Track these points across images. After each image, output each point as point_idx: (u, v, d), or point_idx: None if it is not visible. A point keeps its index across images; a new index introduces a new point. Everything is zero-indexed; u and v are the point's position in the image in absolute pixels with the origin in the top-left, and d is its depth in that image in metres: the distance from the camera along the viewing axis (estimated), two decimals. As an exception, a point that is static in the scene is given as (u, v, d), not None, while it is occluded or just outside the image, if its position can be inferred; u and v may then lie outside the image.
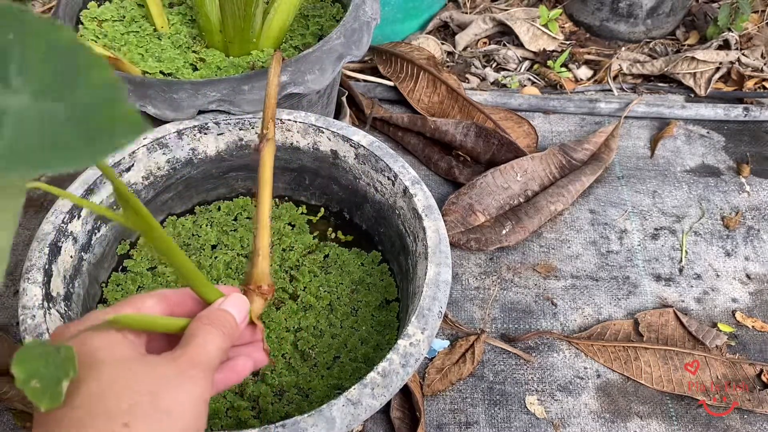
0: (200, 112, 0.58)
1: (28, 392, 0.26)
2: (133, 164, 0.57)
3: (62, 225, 0.51)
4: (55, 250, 0.49)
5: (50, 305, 0.47)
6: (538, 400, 0.63)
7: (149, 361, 0.32)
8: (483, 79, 0.97)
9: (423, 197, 0.53)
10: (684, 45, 1.01)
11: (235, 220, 0.63)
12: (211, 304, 0.38)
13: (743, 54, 0.95)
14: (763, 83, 0.95)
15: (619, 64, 0.96)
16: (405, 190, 0.54)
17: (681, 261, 0.75)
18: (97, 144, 0.20)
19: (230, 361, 0.38)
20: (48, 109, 0.21)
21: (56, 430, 0.29)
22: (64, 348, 0.28)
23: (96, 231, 0.55)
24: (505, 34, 1.03)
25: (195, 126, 0.58)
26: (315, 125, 0.59)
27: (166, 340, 0.38)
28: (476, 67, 0.98)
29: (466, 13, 1.04)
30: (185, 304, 0.38)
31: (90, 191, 0.54)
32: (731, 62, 0.94)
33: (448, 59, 1.00)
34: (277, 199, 0.65)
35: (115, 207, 0.56)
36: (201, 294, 0.37)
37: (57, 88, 0.21)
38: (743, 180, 0.83)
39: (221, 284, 0.41)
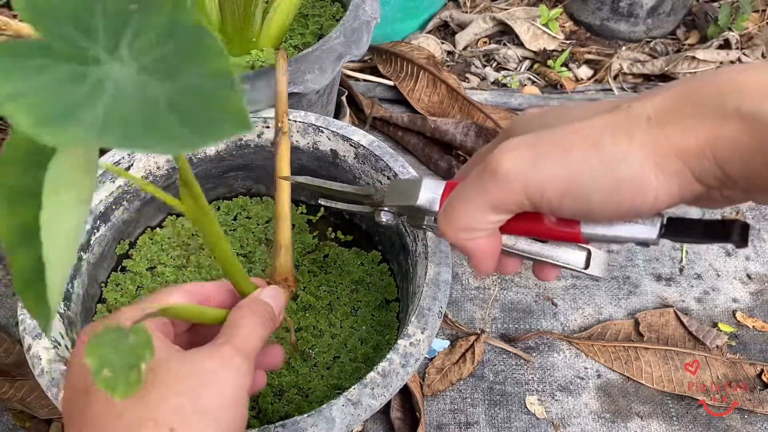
0: (200, 112, 0.58)
1: (101, 383, 0.25)
2: (132, 163, 0.56)
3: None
4: (54, 250, 0.49)
5: (49, 305, 0.47)
6: (539, 400, 0.63)
7: (189, 357, 0.31)
8: (483, 78, 0.97)
9: (423, 197, 0.53)
10: (684, 44, 1.01)
11: (235, 219, 0.63)
12: (247, 296, 0.37)
13: (744, 54, 0.95)
14: (764, 83, 0.94)
15: (620, 64, 0.96)
16: (405, 190, 0.54)
17: (681, 261, 0.74)
18: (197, 132, 0.19)
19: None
20: (152, 86, 0.20)
21: None
22: (135, 329, 0.26)
23: (95, 231, 0.55)
24: (505, 33, 1.03)
25: (194, 125, 0.58)
26: (315, 125, 0.59)
27: (188, 339, 0.38)
28: (476, 67, 0.98)
29: (466, 12, 1.04)
30: (211, 298, 0.38)
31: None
32: (732, 62, 0.94)
33: (448, 59, 0.99)
34: (276, 199, 0.65)
35: (115, 206, 0.56)
36: (238, 285, 0.37)
37: (167, 68, 0.20)
38: (744, 180, 0.83)
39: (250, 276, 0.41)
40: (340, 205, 0.46)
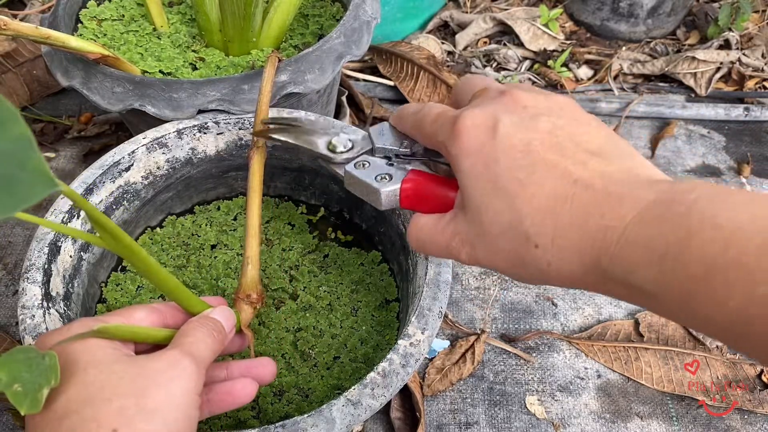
0: (200, 112, 0.58)
1: (10, 396, 0.26)
2: (132, 164, 0.56)
3: (62, 225, 0.51)
4: (54, 250, 0.49)
5: (50, 305, 0.47)
6: (539, 400, 0.63)
7: (136, 360, 0.31)
8: (483, 78, 0.97)
9: (423, 197, 0.53)
10: (684, 45, 1.01)
11: (235, 219, 0.63)
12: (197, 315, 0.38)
13: (744, 54, 0.95)
14: (764, 83, 0.95)
15: (620, 64, 0.96)
16: (405, 190, 0.54)
17: (681, 261, 0.74)
18: (16, 196, 0.20)
19: (228, 383, 0.38)
20: None
21: None
22: (48, 355, 0.28)
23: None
24: (505, 33, 1.02)
25: (194, 125, 0.58)
26: (315, 125, 0.59)
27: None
28: (476, 67, 0.98)
29: (467, 12, 1.04)
30: (177, 317, 0.38)
31: (90, 191, 0.53)
32: (732, 62, 0.94)
33: (448, 59, 0.99)
34: (277, 199, 0.65)
35: (115, 206, 0.56)
36: (187, 307, 0.38)
37: None
38: (744, 180, 0.83)
39: (206, 296, 0.41)
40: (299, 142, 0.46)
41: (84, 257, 0.53)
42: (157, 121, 0.58)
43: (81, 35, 0.68)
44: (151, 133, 0.57)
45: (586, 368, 0.65)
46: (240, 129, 0.60)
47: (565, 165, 0.29)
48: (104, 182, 0.54)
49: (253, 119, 0.59)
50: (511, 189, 0.29)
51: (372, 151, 0.42)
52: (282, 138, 0.47)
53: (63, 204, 0.52)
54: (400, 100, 0.90)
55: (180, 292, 0.37)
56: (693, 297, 0.24)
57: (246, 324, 0.41)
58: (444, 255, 0.35)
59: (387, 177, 0.39)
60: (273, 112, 0.59)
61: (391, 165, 0.40)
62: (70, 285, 0.51)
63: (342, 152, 0.43)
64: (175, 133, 0.58)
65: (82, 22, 0.69)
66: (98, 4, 0.71)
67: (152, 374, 0.30)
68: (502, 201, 0.30)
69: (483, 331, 0.66)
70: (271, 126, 0.49)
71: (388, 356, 0.43)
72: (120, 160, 0.55)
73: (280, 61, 0.58)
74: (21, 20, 0.57)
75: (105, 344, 0.32)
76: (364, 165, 0.41)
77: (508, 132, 0.31)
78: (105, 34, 0.68)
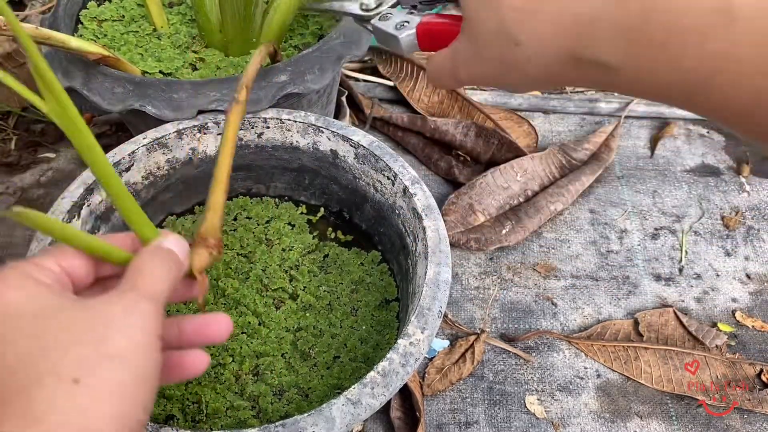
0: (200, 112, 0.58)
1: None
2: (132, 164, 0.57)
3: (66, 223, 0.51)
4: (54, 250, 0.49)
5: (50, 305, 0.47)
6: (538, 399, 0.63)
7: (88, 304, 0.29)
8: (483, 78, 0.97)
9: (423, 197, 0.53)
10: (684, 45, 1.01)
11: (235, 219, 0.63)
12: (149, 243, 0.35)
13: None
14: (763, 83, 0.95)
15: (619, 64, 0.96)
16: (405, 190, 0.54)
17: (681, 261, 0.74)
18: None
19: (176, 354, 0.35)
20: None
21: None
22: None
23: (95, 231, 0.55)
24: (505, 33, 1.02)
25: (195, 126, 0.58)
26: (315, 125, 0.59)
27: (90, 295, 0.34)
28: (476, 67, 0.98)
29: (466, 12, 1.04)
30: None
31: (90, 191, 0.54)
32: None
33: (448, 59, 0.99)
34: (277, 199, 0.65)
35: (115, 207, 0.56)
36: (140, 231, 0.35)
37: None
38: (743, 180, 0.83)
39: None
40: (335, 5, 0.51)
41: (84, 257, 0.53)
42: (157, 122, 0.58)
43: (81, 36, 0.68)
44: (152, 134, 0.57)
45: (585, 368, 0.65)
46: (240, 129, 0.60)
47: None
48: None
49: (254, 119, 0.59)
50: None
51: (398, 4, 0.47)
52: (320, 7, 0.52)
53: (63, 205, 0.52)
54: (400, 100, 0.90)
55: (131, 210, 0.35)
56: (654, 64, 0.28)
57: (200, 269, 0.39)
58: (451, 80, 0.39)
59: (405, 24, 0.44)
60: (273, 112, 0.59)
61: (411, 14, 0.44)
62: (70, 285, 0.51)
63: (373, 8, 0.47)
64: (175, 134, 0.58)
65: (82, 23, 0.69)
66: (98, 5, 0.71)
67: (109, 320, 0.28)
68: (489, 9, 0.34)
69: (483, 331, 0.67)
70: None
71: (388, 356, 0.43)
72: (120, 160, 0.56)
73: (277, 53, 0.58)
74: (22, 21, 0.57)
75: (45, 291, 0.29)
76: (387, 16, 0.45)
77: None
78: (105, 35, 0.68)
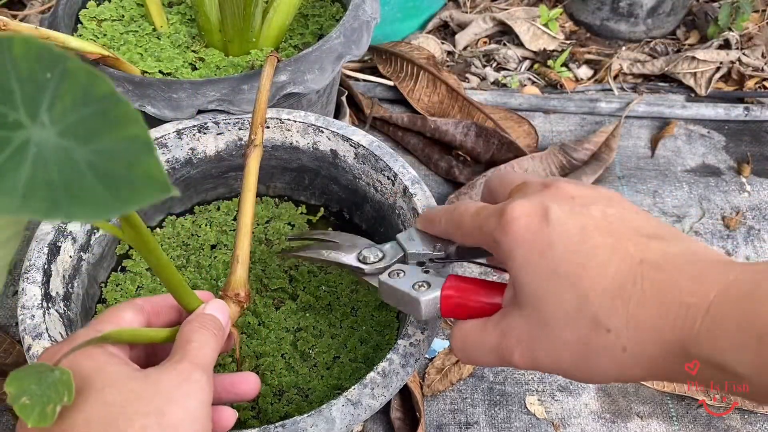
0: (199, 112, 0.58)
1: (17, 408, 0.26)
2: (132, 164, 0.56)
3: (61, 224, 0.51)
4: (54, 250, 0.49)
5: (49, 305, 0.47)
6: (539, 400, 0.63)
7: (149, 376, 0.32)
8: (483, 78, 0.97)
9: (423, 197, 0.53)
10: (684, 44, 1.01)
11: (234, 219, 0.63)
12: (193, 311, 0.38)
13: (744, 54, 0.95)
14: (764, 83, 0.95)
15: (620, 64, 0.96)
16: (405, 190, 0.54)
17: (681, 261, 0.74)
18: (120, 197, 0.20)
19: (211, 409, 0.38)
20: (73, 149, 0.20)
21: None
22: (60, 371, 0.28)
23: (95, 231, 0.55)
24: (505, 33, 1.03)
25: (194, 126, 0.58)
26: (314, 125, 0.59)
27: (144, 351, 0.38)
28: (476, 67, 0.98)
29: (466, 12, 1.04)
30: (161, 313, 0.39)
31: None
32: (732, 62, 0.94)
33: (448, 59, 0.99)
34: (277, 199, 0.65)
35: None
36: (184, 302, 0.38)
37: (86, 132, 0.21)
38: (744, 180, 0.83)
39: (200, 290, 0.42)
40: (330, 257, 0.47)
41: (84, 257, 0.53)
42: (157, 122, 0.58)
43: (81, 35, 0.68)
44: (151, 134, 0.57)
45: (586, 368, 0.65)
46: (240, 129, 0.60)
47: (625, 247, 0.28)
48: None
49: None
50: (573, 273, 0.28)
51: (404, 259, 0.41)
52: (309, 256, 0.48)
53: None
54: (400, 100, 0.90)
55: (182, 289, 0.37)
56: None
57: (232, 322, 0.41)
58: (494, 360, 0.33)
59: (425, 284, 0.37)
60: (272, 112, 0.59)
61: (427, 272, 0.39)
62: (69, 285, 0.51)
63: (374, 262, 0.42)
64: (175, 134, 0.58)
65: (81, 23, 0.69)
66: (98, 5, 0.71)
67: (167, 390, 0.31)
68: (564, 287, 0.28)
69: (483, 331, 0.66)
70: (294, 245, 0.50)
71: (388, 356, 0.43)
72: (120, 160, 0.55)
73: (279, 61, 0.58)
74: (21, 21, 0.57)
75: (111, 360, 0.32)
76: (398, 274, 0.39)
77: (560, 218, 0.30)
78: (105, 35, 0.68)
